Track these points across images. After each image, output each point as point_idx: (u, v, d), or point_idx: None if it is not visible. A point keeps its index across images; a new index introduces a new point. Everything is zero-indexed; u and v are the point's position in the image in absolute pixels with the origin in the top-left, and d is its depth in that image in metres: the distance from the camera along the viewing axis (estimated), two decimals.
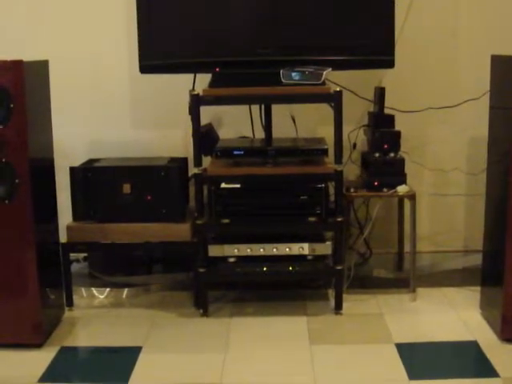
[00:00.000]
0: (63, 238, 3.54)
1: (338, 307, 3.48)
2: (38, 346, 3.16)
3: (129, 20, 3.70)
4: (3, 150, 3.00)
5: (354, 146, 3.89)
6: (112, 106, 3.97)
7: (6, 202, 3.03)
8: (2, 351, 3.13)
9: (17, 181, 3.02)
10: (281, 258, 3.47)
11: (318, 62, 3.41)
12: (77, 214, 3.57)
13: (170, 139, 3.96)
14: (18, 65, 2.95)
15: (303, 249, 3.46)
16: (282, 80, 3.36)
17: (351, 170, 3.92)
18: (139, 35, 3.47)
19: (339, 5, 3.48)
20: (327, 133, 3.57)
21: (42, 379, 2.91)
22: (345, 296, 3.53)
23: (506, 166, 3.03)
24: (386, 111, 3.73)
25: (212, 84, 3.49)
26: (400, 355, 3.04)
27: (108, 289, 3.81)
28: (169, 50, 3.51)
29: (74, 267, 3.82)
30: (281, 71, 3.36)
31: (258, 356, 3.09)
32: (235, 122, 3.92)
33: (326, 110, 3.50)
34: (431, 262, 4.08)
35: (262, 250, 3.46)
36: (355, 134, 3.88)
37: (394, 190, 3.59)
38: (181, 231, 3.54)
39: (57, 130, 3.42)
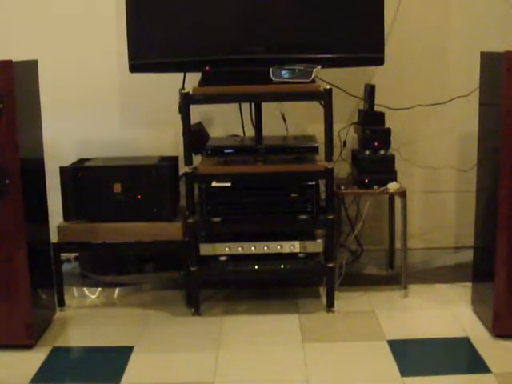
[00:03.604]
0: (54, 238, 3.53)
1: (330, 305, 3.49)
2: (30, 346, 3.15)
3: (118, 19, 3.69)
4: None
5: (345, 143, 3.89)
6: (102, 105, 3.96)
7: None
8: None
9: (7, 181, 3.01)
10: (272, 257, 3.47)
11: (307, 60, 3.41)
12: (67, 214, 3.56)
13: (161, 138, 3.96)
14: (7, 65, 2.94)
15: (294, 247, 3.46)
16: (272, 78, 3.36)
17: (342, 168, 3.92)
18: (128, 34, 3.47)
19: (329, 2, 3.48)
20: (317, 130, 3.57)
21: (33, 380, 2.90)
22: (336, 293, 3.53)
23: (496, 162, 3.04)
24: (376, 109, 3.73)
25: (202, 83, 3.48)
26: (392, 352, 3.05)
27: (99, 288, 3.81)
28: (158, 48, 3.51)
29: (66, 267, 3.81)
30: (270, 69, 3.35)
31: (251, 354, 3.08)
32: (225, 121, 3.92)
33: (316, 108, 3.51)
34: (422, 259, 4.09)
35: (253, 248, 3.46)
36: (345, 131, 3.88)
37: (384, 188, 3.60)
38: (172, 230, 3.53)
39: (47, 130, 3.40)
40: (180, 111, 3.40)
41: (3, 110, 2.96)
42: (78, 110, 3.96)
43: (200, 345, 3.18)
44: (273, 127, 3.80)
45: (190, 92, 3.37)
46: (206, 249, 3.47)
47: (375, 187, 3.61)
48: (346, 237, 3.98)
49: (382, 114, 3.70)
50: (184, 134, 3.39)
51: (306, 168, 3.45)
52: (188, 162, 3.40)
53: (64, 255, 3.72)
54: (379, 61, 3.50)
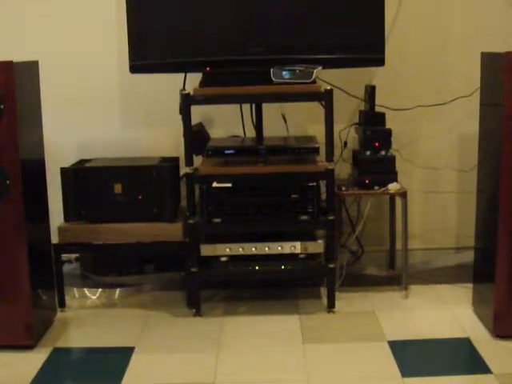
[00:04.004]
0: (55, 238, 3.53)
1: (331, 305, 3.49)
2: (30, 347, 3.15)
3: (119, 19, 3.69)
4: None
5: (345, 144, 3.89)
6: (103, 106, 3.96)
7: None
8: None
9: (8, 182, 3.01)
10: (273, 257, 3.47)
11: (308, 61, 3.41)
12: (68, 215, 3.56)
13: (161, 139, 3.96)
14: (8, 66, 2.94)
15: (295, 247, 3.46)
16: (273, 79, 3.36)
17: (342, 169, 3.92)
18: (129, 34, 3.47)
19: (329, 3, 3.48)
20: (318, 131, 3.57)
21: (34, 381, 2.90)
22: (337, 294, 3.53)
23: (497, 162, 3.04)
24: (377, 109, 3.73)
25: (202, 83, 3.49)
26: (393, 352, 3.05)
27: (100, 289, 3.81)
28: (159, 49, 3.51)
29: (66, 268, 3.80)
30: (271, 70, 3.35)
31: (251, 355, 3.08)
32: (226, 121, 3.92)
33: (316, 109, 3.51)
34: (423, 260, 4.09)
35: (253, 249, 3.46)
36: (346, 132, 3.88)
37: (385, 188, 3.59)
38: (172, 231, 3.53)
39: (47, 131, 3.41)
40: (181, 112, 3.40)
41: (4, 110, 2.96)
42: (78, 111, 3.96)
43: (201, 345, 3.18)
44: (273, 128, 3.80)
45: (191, 93, 3.37)
46: (206, 249, 3.47)
47: (376, 188, 3.60)
48: (346, 237, 3.98)
49: (382, 115, 3.69)
50: (185, 134, 3.39)
51: (306, 169, 3.45)
52: (189, 162, 3.40)
53: (65, 256, 3.72)
54: (380, 61, 3.50)
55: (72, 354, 3.22)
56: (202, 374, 2.93)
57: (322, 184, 3.47)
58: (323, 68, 3.40)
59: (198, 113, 3.67)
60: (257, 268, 3.47)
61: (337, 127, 3.60)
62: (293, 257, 3.48)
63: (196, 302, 3.49)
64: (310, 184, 3.44)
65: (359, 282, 3.87)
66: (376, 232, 4.06)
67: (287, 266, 3.47)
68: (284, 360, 3.03)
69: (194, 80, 3.56)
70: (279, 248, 3.46)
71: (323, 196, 3.49)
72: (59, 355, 3.14)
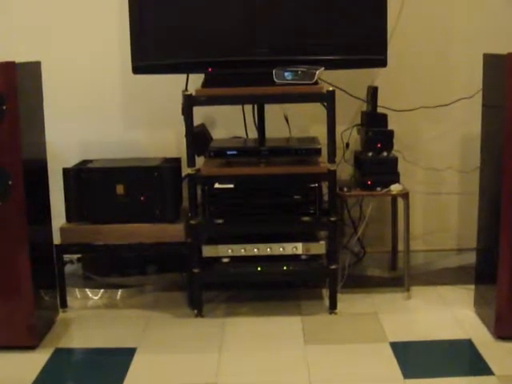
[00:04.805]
0: (57, 239, 3.53)
1: (333, 307, 3.49)
2: (32, 347, 3.16)
3: (121, 20, 3.69)
4: None
5: (347, 145, 3.89)
6: (105, 106, 3.96)
7: (0, 203, 3.02)
8: None
9: (10, 182, 3.01)
10: (275, 258, 3.47)
11: (310, 62, 3.41)
12: (70, 216, 3.56)
13: (163, 140, 3.96)
14: (10, 66, 2.94)
15: (297, 248, 3.46)
16: (275, 80, 3.36)
17: (344, 170, 3.92)
18: (131, 35, 3.47)
19: (332, 4, 3.48)
20: (320, 132, 3.57)
21: (36, 382, 2.90)
22: (339, 295, 3.53)
23: (499, 164, 3.04)
24: (379, 110, 3.73)
25: (205, 84, 3.49)
26: (395, 354, 3.05)
27: (102, 290, 3.81)
28: (161, 50, 3.51)
29: (68, 268, 3.80)
30: (273, 71, 3.36)
31: (253, 356, 3.08)
32: (228, 122, 3.92)
33: (318, 110, 3.50)
34: (425, 261, 4.09)
35: (255, 250, 3.46)
36: (348, 133, 3.88)
37: (387, 189, 3.59)
38: (175, 232, 3.54)
39: (50, 131, 3.41)
40: (183, 113, 3.40)
41: (6, 111, 2.96)
42: (80, 112, 3.96)
43: (202, 346, 3.18)
44: (275, 129, 3.80)
45: (193, 93, 3.37)
46: (208, 250, 3.47)
47: (378, 189, 3.60)
48: (348, 239, 3.98)
49: (384, 116, 3.69)
50: (187, 135, 3.39)
51: (308, 170, 3.45)
52: (191, 163, 3.40)
53: (66, 256, 3.72)
54: (382, 62, 3.50)
55: (74, 354, 3.22)
56: (204, 374, 2.93)
57: (324, 185, 3.47)
58: (325, 69, 3.40)
59: (200, 114, 3.67)
60: (258, 269, 3.47)
61: (339, 128, 3.60)
62: (295, 258, 3.48)
63: (198, 303, 3.49)
64: (312, 185, 3.44)
65: (361, 283, 3.86)
66: (378, 233, 4.06)
67: (289, 267, 3.47)
68: (286, 361, 3.03)
69: (196, 81, 3.57)
70: (281, 249, 3.46)
71: (325, 197, 3.48)
72: (61, 356, 3.14)
